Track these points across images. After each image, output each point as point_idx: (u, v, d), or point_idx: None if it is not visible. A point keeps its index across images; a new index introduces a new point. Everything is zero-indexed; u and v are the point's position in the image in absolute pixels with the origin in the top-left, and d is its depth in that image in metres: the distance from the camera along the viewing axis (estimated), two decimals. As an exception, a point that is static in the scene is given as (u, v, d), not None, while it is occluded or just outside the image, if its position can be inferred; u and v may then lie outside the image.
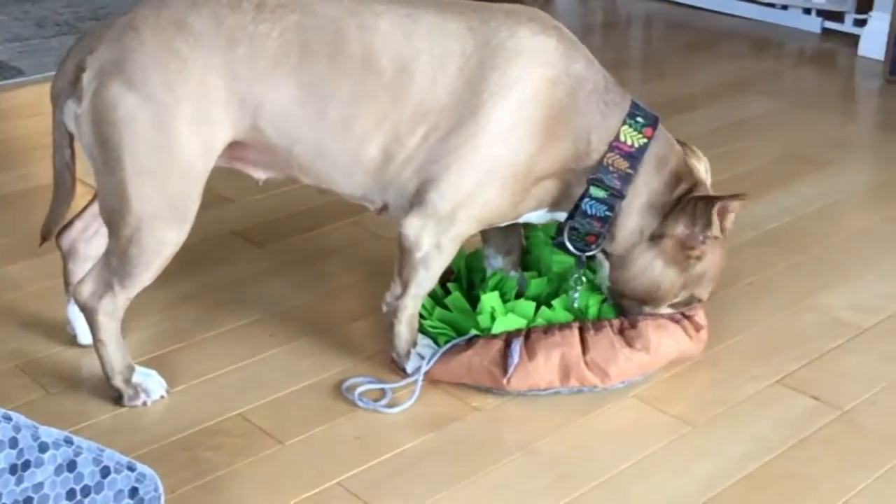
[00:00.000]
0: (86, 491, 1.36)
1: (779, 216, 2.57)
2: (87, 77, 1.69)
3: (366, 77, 1.74)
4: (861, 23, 3.80)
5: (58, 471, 1.34)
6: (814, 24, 3.98)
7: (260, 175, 1.87)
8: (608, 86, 1.82)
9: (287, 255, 2.38)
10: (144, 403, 1.83)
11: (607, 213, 1.82)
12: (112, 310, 1.79)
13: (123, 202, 1.71)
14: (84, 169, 1.80)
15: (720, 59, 3.76)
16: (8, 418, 1.28)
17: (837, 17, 3.93)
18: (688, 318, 1.94)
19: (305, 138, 1.77)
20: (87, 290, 1.79)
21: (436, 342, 1.94)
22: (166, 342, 2.03)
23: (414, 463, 1.72)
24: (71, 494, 1.35)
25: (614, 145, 1.79)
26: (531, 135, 1.76)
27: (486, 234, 2.02)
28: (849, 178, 2.85)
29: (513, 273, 2.06)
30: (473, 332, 1.90)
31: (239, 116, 1.73)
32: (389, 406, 1.84)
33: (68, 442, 1.36)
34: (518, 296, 2.02)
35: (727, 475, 1.70)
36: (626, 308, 1.94)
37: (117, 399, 1.83)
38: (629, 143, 1.80)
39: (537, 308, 1.95)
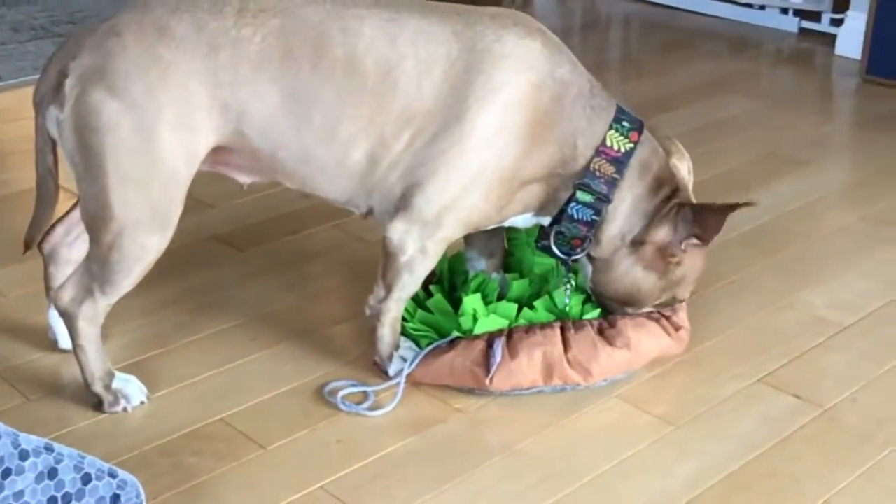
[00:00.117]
0: (67, 498, 1.36)
1: (758, 216, 2.58)
2: (69, 83, 1.68)
3: (350, 81, 1.73)
4: (838, 22, 3.83)
5: (38, 478, 1.33)
6: (791, 23, 4.00)
7: (244, 179, 1.86)
8: (594, 90, 1.82)
9: (269, 258, 2.37)
10: (125, 409, 1.82)
11: (594, 217, 1.82)
12: (92, 315, 1.78)
13: (105, 208, 1.70)
14: (67, 175, 1.79)
15: (698, 60, 3.78)
16: (-12, 426, 1.27)
17: (814, 16, 3.95)
18: (666, 317, 1.95)
19: (289, 143, 1.76)
20: (67, 296, 1.78)
21: (418, 345, 1.94)
22: (147, 347, 2.02)
23: (397, 466, 1.72)
24: (52, 502, 1.34)
25: (601, 150, 1.80)
26: (517, 139, 1.76)
27: (469, 237, 2.02)
28: (827, 177, 2.87)
29: (495, 275, 2.07)
30: (455, 333, 1.90)
31: (222, 122, 1.73)
32: (372, 409, 1.84)
33: (49, 449, 1.36)
34: (500, 297, 2.02)
35: (710, 475, 1.70)
36: (609, 308, 1.95)
37: (97, 405, 1.82)
38: (616, 147, 1.80)
39: (519, 310, 1.95)
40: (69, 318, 1.79)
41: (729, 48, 3.91)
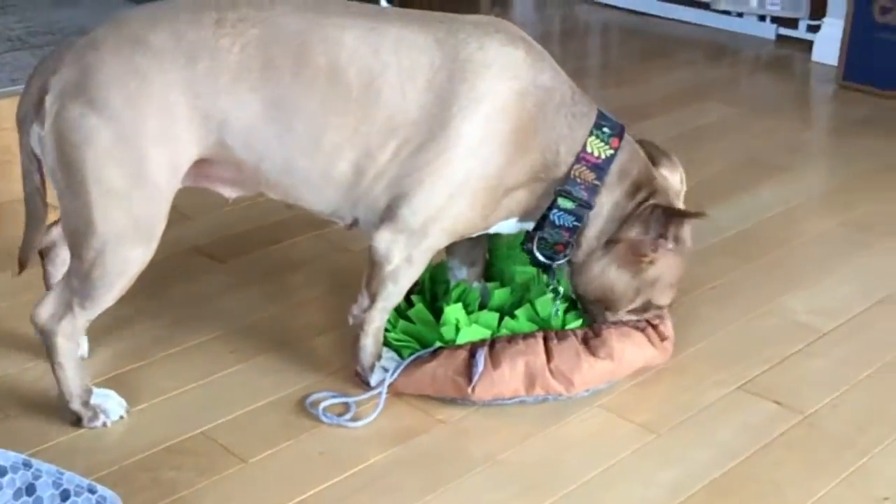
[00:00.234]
0: (46, 515, 1.34)
1: (739, 222, 2.59)
2: (49, 99, 1.67)
3: (333, 91, 1.73)
4: (815, 29, 3.85)
5: (17, 495, 1.32)
6: (768, 30, 4.02)
7: (229, 193, 1.86)
8: (575, 96, 1.82)
9: (249, 270, 2.36)
10: (104, 424, 1.81)
11: (575, 223, 1.83)
12: (71, 332, 1.77)
13: (88, 224, 1.69)
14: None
15: (677, 67, 3.79)
16: (-36, 444, 1.26)
17: (791, 23, 3.98)
18: (653, 326, 1.95)
19: (273, 154, 1.75)
20: (45, 313, 1.76)
21: (400, 355, 1.93)
22: (126, 361, 2.01)
23: (380, 477, 1.71)
24: (30, 519, 1.33)
25: (582, 156, 1.80)
26: (501, 147, 1.76)
27: (451, 246, 2.01)
28: (806, 182, 2.89)
29: (476, 284, 2.06)
30: (438, 343, 1.90)
31: (203, 133, 1.72)
32: (354, 420, 1.83)
33: (27, 465, 1.34)
34: (481, 307, 2.02)
35: (692, 482, 1.70)
36: (590, 313, 1.95)
37: (76, 422, 1.81)
38: (596, 154, 1.80)
39: (501, 319, 1.95)
40: (47, 336, 1.77)
41: (707, 55, 3.93)
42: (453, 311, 1.93)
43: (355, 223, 1.85)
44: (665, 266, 1.87)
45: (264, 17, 1.74)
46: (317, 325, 2.13)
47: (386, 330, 1.94)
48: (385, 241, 1.79)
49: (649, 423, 1.85)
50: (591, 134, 1.81)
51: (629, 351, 1.91)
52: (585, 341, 1.89)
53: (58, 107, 1.66)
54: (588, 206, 1.82)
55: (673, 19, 4.25)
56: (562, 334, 1.89)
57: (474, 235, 1.90)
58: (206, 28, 1.71)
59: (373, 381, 1.90)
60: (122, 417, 1.83)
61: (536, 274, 2.04)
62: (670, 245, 1.83)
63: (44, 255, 1.97)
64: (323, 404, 1.86)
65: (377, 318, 1.87)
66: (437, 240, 1.81)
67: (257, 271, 2.35)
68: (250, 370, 1.99)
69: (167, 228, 1.78)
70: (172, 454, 1.75)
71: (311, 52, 1.73)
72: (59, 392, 1.81)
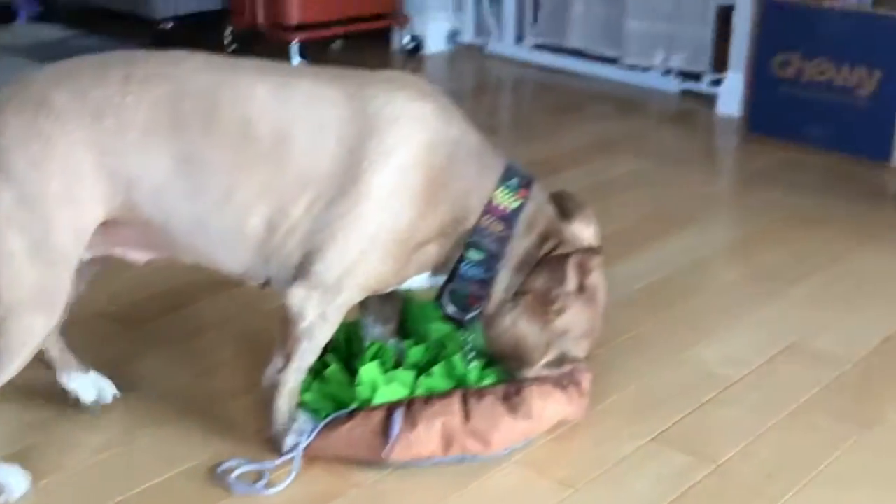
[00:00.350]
0: None
1: (649, 273, 2.63)
2: None
3: (244, 146, 1.72)
4: (717, 83, 3.96)
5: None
6: (673, 84, 4.13)
7: (139, 258, 1.83)
8: (483, 149, 1.84)
9: (158, 334, 2.32)
10: (6, 502, 1.75)
11: (485, 275, 1.83)
12: (-30, 405, 1.72)
13: None
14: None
15: (587, 121, 3.86)
16: None
17: (695, 77, 4.09)
18: (575, 383, 1.95)
19: (183, 212, 1.73)
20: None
21: (315, 417, 1.90)
22: (31, 432, 1.94)
23: (295, 545, 1.68)
24: None
25: (489, 208, 1.82)
26: (412, 200, 1.76)
27: (365, 303, 2.01)
28: (714, 233, 2.95)
29: (391, 341, 2.06)
30: (354, 404, 1.88)
31: (111, 192, 1.69)
32: (268, 487, 1.80)
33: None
34: (397, 365, 2.01)
35: (609, 537, 1.71)
36: (508, 369, 1.95)
37: (-23, 499, 1.75)
38: (503, 205, 1.82)
39: (417, 376, 1.94)
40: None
41: (616, 109, 4.01)
42: (369, 371, 1.92)
43: (268, 283, 1.84)
44: (574, 316, 1.88)
45: (173, 74, 1.73)
46: (230, 388, 2.10)
47: (300, 392, 1.92)
48: (298, 297, 1.78)
49: (566, 479, 1.85)
50: (499, 186, 1.82)
51: (549, 409, 1.91)
52: (506, 398, 1.89)
53: None
54: (497, 257, 1.83)
55: (583, 75, 4.34)
56: (480, 393, 1.89)
57: (388, 291, 1.90)
58: (111, 86, 1.69)
59: (287, 444, 1.87)
60: (26, 493, 1.77)
61: (452, 330, 2.04)
62: (572, 289, 1.84)
63: None
64: (236, 472, 1.82)
65: (292, 379, 1.85)
66: (351, 295, 1.80)
67: (166, 336, 2.31)
68: (162, 438, 1.95)
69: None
70: (79, 529, 1.70)
71: (222, 108, 1.72)
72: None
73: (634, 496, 1.81)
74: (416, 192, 1.76)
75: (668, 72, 4.14)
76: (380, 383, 1.90)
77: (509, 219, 1.82)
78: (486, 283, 1.84)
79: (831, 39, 3.43)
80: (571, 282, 1.83)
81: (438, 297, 1.90)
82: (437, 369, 1.95)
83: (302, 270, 1.77)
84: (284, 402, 1.86)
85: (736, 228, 3.04)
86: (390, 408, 1.85)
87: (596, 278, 1.88)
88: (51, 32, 4.74)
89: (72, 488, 1.80)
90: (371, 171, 1.74)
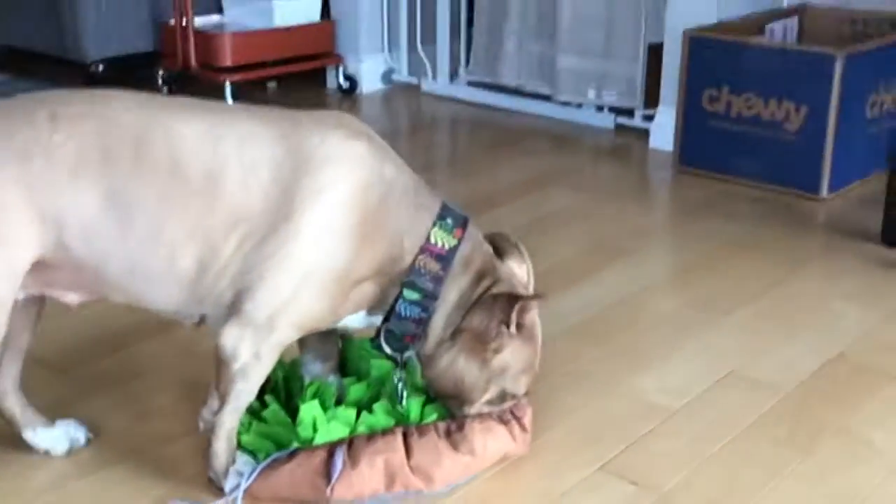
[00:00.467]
0: None
1: (587, 306, 2.65)
2: None
3: (173, 185, 1.71)
4: (650, 118, 4.03)
5: None
6: (607, 120, 4.19)
7: (72, 299, 1.80)
8: (418, 189, 1.84)
9: (93, 379, 2.27)
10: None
11: (422, 314, 1.83)
12: None
13: None
14: None
15: (523, 157, 3.90)
16: None
17: (628, 113, 4.15)
18: (517, 418, 1.95)
19: (114, 251, 1.71)
20: None
21: (255, 458, 1.88)
22: (-39, 482, 1.89)
23: (237, 589, 1.65)
24: None
25: (425, 248, 1.81)
26: (345, 239, 1.76)
27: (303, 341, 1.99)
28: (650, 265, 2.98)
29: (331, 379, 2.04)
30: (295, 444, 1.86)
31: (41, 232, 1.67)
32: (208, 530, 1.77)
33: None
34: (338, 402, 1.99)
35: (555, 570, 1.70)
36: (449, 408, 1.94)
37: None
38: (440, 244, 1.82)
39: (358, 414, 1.92)
40: None
41: (551, 145, 4.05)
42: (309, 410, 1.90)
43: (202, 321, 1.81)
44: (512, 353, 1.88)
45: (101, 112, 1.72)
46: (167, 432, 2.06)
47: (239, 433, 1.89)
48: (232, 337, 1.76)
49: (510, 513, 1.85)
50: (434, 225, 1.83)
51: (490, 445, 1.91)
52: (448, 435, 1.88)
53: None
54: (433, 296, 1.83)
55: (517, 111, 4.38)
56: (422, 429, 1.88)
57: (324, 329, 1.88)
58: (39, 125, 1.67)
59: (227, 486, 1.84)
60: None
61: (392, 367, 2.03)
62: (512, 330, 1.85)
63: None
64: (175, 515, 1.78)
65: (228, 421, 1.83)
66: (285, 334, 1.79)
67: (101, 381, 2.26)
68: (98, 483, 1.90)
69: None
70: (12, 580, 1.65)
71: (151, 146, 1.71)
72: None
73: (579, 528, 1.81)
74: (350, 230, 1.76)
75: (601, 108, 4.20)
76: (320, 422, 1.88)
77: (445, 258, 1.82)
78: (423, 322, 1.84)
79: (758, 75, 3.50)
80: (507, 319, 1.83)
81: (375, 336, 1.89)
82: (378, 407, 1.94)
83: (234, 309, 1.75)
84: (222, 443, 1.83)
85: (671, 259, 3.08)
86: (332, 446, 1.83)
87: (533, 316, 1.89)
88: (-20, 77, 4.66)
89: (4, 539, 1.75)
90: (302, 209, 1.73)
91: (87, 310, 2.42)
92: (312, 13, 4.49)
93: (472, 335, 1.84)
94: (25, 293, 1.76)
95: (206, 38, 4.23)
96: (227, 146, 1.74)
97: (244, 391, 1.81)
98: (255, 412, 1.96)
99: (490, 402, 1.93)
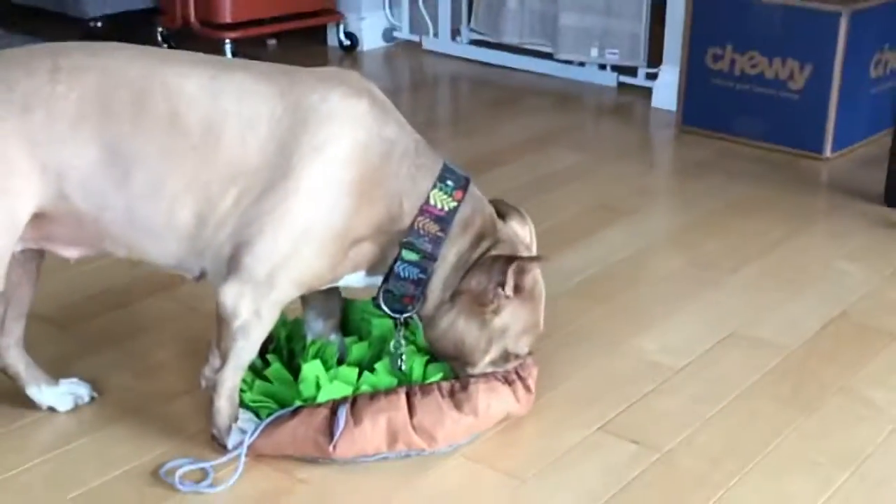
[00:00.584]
0: None
1: (589, 266, 2.64)
2: None
3: (172, 138, 1.70)
4: (653, 76, 4.00)
5: None
6: (610, 78, 4.16)
7: (71, 253, 1.79)
8: (419, 149, 1.83)
9: (95, 335, 2.27)
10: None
11: (420, 275, 1.82)
12: None
13: None
14: None
15: (525, 115, 3.87)
16: None
17: (631, 71, 4.12)
18: (521, 379, 1.95)
19: (113, 204, 1.71)
20: None
21: (258, 416, 1.88)
22: (-37, 439, 1.90)
23: (240, 545, 1.66)
24: None
25: (425, 209, 1.80)
26: (344, 197, 1.75)
27: (307, 298, 1.99)
28: (653, 224, 2.98)
29: (333, 337, 2.04)
30: (297, 402, 1.86)
31: (42, 184, 1.66)
32: (212, 486, 1.77)
33: None
34: (340, 361, 1.99)
35: (557, 527, 1.71)
36: (452, 368, 1.94)
37: None
38: (439, 206, 1.81)
39: (360, 373, 1.92)
40: None
41: (553, 104, 4.02)
42: (312, 368, 1.90)
43: (203, 275, 1.81)
44: (511, 314, 1.88)
45: (102, 64, 1.71)
46: (169, 389, 2.06)
47: (242, 391, 1.89)
48: (232, 295, 1.75)
49: (513, 471, 1.85)
50: (434, 186, 1.81)
51: (494, 405, 1.91)
52: (452, 394, 1.89)
53: None
54: (432, 257, 1.82)
55: (519, 69, 4.35)
56: (425, 389, 1.88)
57: (323, 288, 1.88)
58: (40, 76, 1.67)
59: (230, 443, 1.84)
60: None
61: (395, 325, 2.03)
62: (509, 293, 1.84)
63: None
64: (179, 472, 1.79)
65: (230, 378, 1.83)
66: (285, 291, 1.78)
67: (103, 337, 2.26)
68: (101, 440, 1.90)
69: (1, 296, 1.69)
70: (17, 536, 1.66)
71: (151, 99, 1.70)
72: None
73: (582, 486, 1.81)
74: (349, 188, 1.75)
75: (603, 66, 4.17)
76: (323, 381, 1.89)
77: (444, 219, 1.81)
78: (422, 283, 1.83)
79: (762, 33, 3.47)
80: (508, 287, 1.82)
81: (375, 297, 1.88)
82: (380, 366, 1.94)
83: (234, 265, 1.75)
84: (224, 402, 1.83)
85: (674, 219, 3.07)
86: (334, 404, 1.84)
87: (532, 276, 1.88)
88: (-23, 32, 4.63)
89: (14, 491, 1.75)
90: (301, 165, 1.72)
91: (87, 266, 2.43)
92: (313, -31, 4.44)
93: (470, 297, 1.84)
94: (24, 246, 1.76)
95: (205, -6, 4.19)
96: (226, 100, 1.73)
97: (245, 349, 1.81)
98: (257, 371, 1.96)
99: (493, 363, 1.93)
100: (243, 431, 1.84)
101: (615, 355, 2.24)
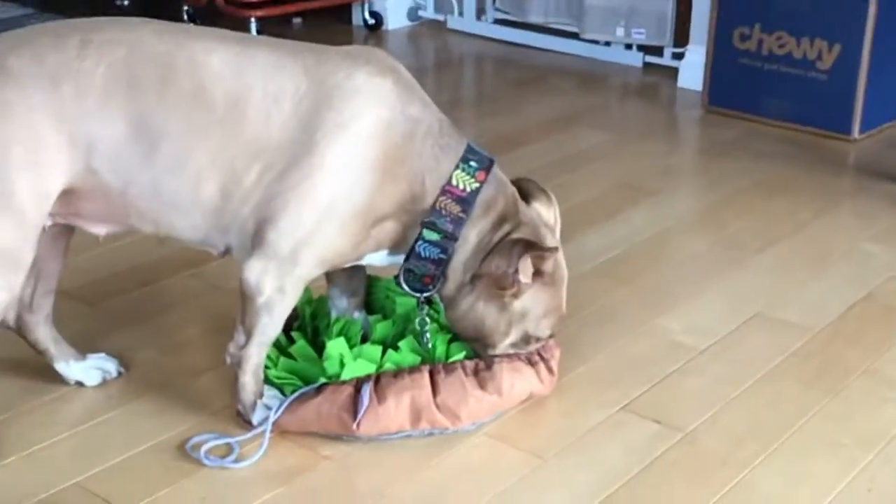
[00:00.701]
0: None
1: (614, 245, 2.64)
2: None
3: (198, 112, 1.71)
4: (679, 56, 3.97)
5: None
6: (635, 58, 4.13)
7: (99, 230, 1.81)
8: (443, 129, 1.83)
9: (122, 312, 2.29)
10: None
11: (441, 255, 1.83)
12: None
13: None
14: None
15: (549, 95, 3.86)
16: None
17: (657, 51, 4.09)
18: (544, 360, 1.95)
19: (140, 178, 1.72)
20: None
21: (282, 392, 1.90)
22: (-6, 412, 1.92)
23: (265, 519, 1.67)
24: None
25: (447, 189, 1.81)
26: (367, 174, 1.75)
27: (331, 275, 2.00)
28: (677, 204, 2.96)
29: (357, 315, 2.05)
30: (321, 379, 1.87)
31: (71, 158, 1.68)
32: (237, 461, 1.79)
33: None
34: (364, 339, 2.00)
35: (579, 505, 1.72)
36: (474, 349, 1.94)
37: (-60, 478, 1.72)
38: (461, 187, 1.81)
39: (384, 351, 1.93)
40: None
41: (578, 83, 4.01)
42: (336, 346, 1.91)
43: (228, 251, 1.82)
44: (532, 298, 1.87)
45: (130, 39, 1.72)
46: (195, 365, 2.08)
47: (267, 367, 1.91)
48: (256, 271, 1.76)
49: (535, 449, 1.86)
50: (457, 167, 1.81)
51: (518, 385, 1.91)
52: (476, 373, 1.89)
53: None
54: (453, 238, 1.82)
55: (544, 49, 4.33)
56: (449, 367, 1.89)
57: (346, 265, 1.88)
58: (69, 50, 1.68)
59: (255, 419, 1.86)
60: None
61: (418, 304, 2.03)
62: (524, 279, 1.84)
63: (19, 332, 1.97)
64: (205, 447, 1.81)
65: (255, 355, 1.84)
66: (309, 268, 1.79)
67: (130, 314, 2.28)
68: (127, 415, 1.93)
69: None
70: (45, 508, 1.68)
71: (177, 73, 1.71)
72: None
73: (604, 465, 1.82)
74: (372, 166, 1.75)
75: (629, 46, 4.15)
76: (347, 359, 1.90)
77: (466, 200, 1.81)
78: (442, 263, 1.84)
79: (791, 13, 3.44)
80: (525, 275, 1.82)
81: (397, 275, 1.89)
82: (403, 344, 1.95)
83: (258, 240, 1.76)
84: (249, 378, 1.85)
85: (700, 199, 3.06)
86: (358, 382, 1.85)
87: (553, 261, 1.87)
88: (7, 11, 4.66)
89: (35, 467, 1.78)
90: (325, 142, 1.72)
91: (115, 243, 2.45)
92: (338, -53, 4.43)
93: (490, 280, 1.84)
94: (53, 221, 1.77)
95: (231, -27, 4.20)
96: (252, 76, 1.74)
97: (269, 325, 1.82)
98: (282, 348, 1.98)
99: (514, 345, 1.93)
100: (268, 408, 1.85)
101: (639, 335, 2.24)
